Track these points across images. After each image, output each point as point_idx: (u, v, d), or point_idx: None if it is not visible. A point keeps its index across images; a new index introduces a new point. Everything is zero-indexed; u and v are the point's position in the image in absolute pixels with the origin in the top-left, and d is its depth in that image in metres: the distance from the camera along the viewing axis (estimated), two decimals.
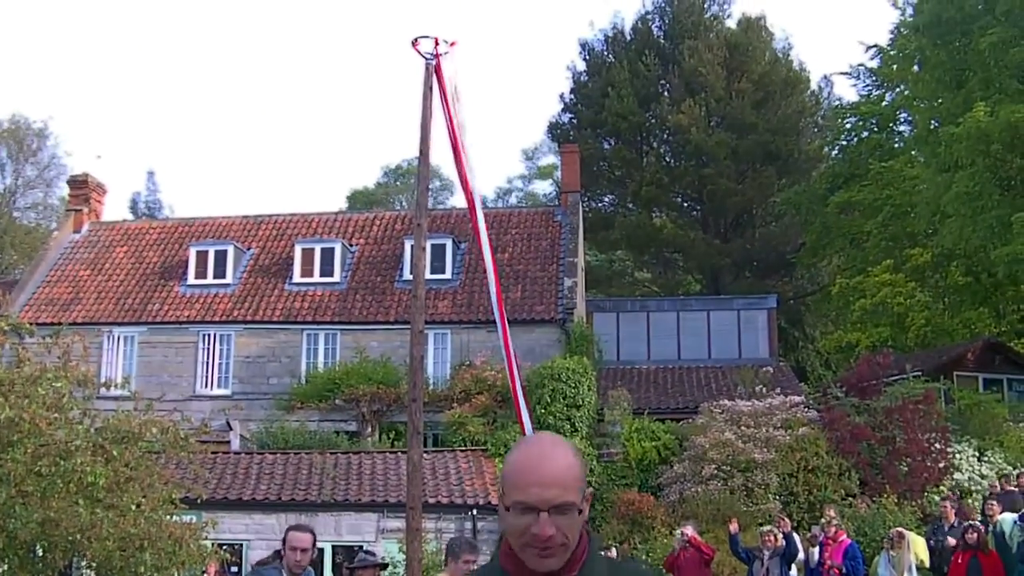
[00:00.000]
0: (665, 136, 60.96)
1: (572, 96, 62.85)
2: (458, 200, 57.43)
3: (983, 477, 31.71)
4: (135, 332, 40.25)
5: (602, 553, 3.51)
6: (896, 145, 51.18)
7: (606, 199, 64.36)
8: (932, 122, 43.45)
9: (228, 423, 35.78)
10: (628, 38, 61.83)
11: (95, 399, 21.97)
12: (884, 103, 51.48)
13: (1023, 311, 47.57)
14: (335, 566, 29.41)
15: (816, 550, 19.81)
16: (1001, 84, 38.45)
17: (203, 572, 23.28)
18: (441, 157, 49.61)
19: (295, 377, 38.73)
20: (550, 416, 33.52)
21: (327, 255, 41.34)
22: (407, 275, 39.41)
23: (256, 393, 38.66)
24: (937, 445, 31.91)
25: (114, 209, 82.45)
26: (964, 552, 18.71)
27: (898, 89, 50.60)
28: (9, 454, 18.11)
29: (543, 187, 78.94)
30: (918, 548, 19.25)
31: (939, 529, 20.30)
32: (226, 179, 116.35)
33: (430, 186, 16.71)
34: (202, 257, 41.88)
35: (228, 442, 34.79)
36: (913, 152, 48.58)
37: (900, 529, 19.92)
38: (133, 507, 19.20)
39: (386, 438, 35.30)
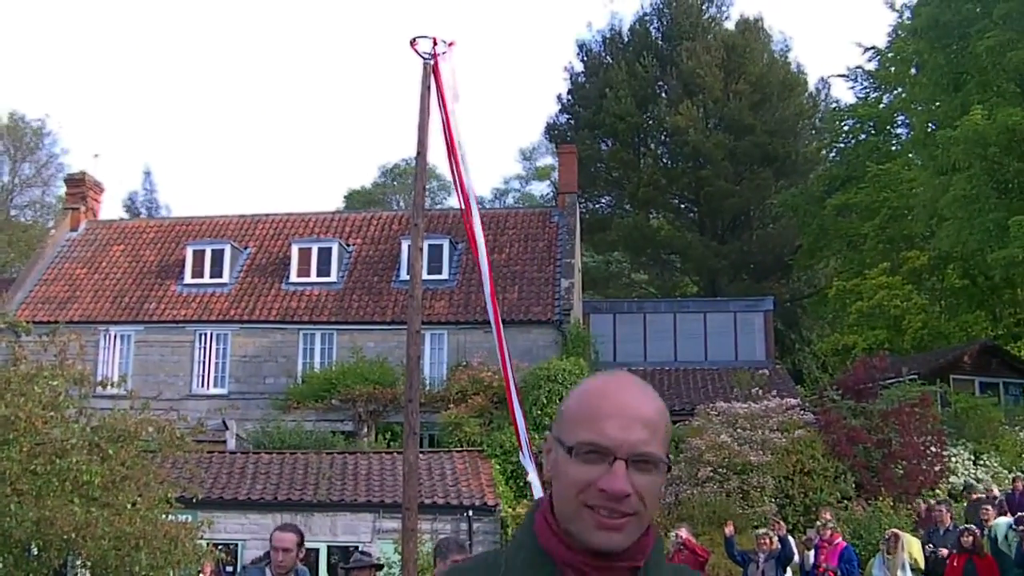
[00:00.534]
0: (663, 137, 61.00)
1: (570, 97, 62.91)
2: (455, 200, 57.50)
3: (978, 480, 31.73)
4: (131, 331, 40.22)
5: None
6: (893, 148, 51.28)
7: (603, 200, 64.40)
8: (929, 125, 43.56)
9: (224, 423, 35.77)
10: (626, 39, 61.91)
11: (91, 398, 22.03)
12: (881, 105, 51.62)
13: (1020, 314, 47.63)
14: (331, 566, 29.41)
15: (811, 553, 19.81)
16: (998, 87, 38.56)
17: (198, 572, 23.27)
18: (438, 157, 49.63)
19: (291, 377, 38.71)
20: (546, 417, 33.43)
21: (324, 255, 41.31)
22: (404, 275, 39.39)
23: (252, 393, 38.65)
24: (933, 448, 31.94)
25: (111, 208, 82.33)
26: (960, 555, 18.73)
27: (896, 92, 50.72)
28: (4, 452, 18.12)
29: (540, 188, 79.01)
30: (913, 549, 19.26)
31: (934, 533, 20.30)
32: (223, 178, 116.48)
33: (427, 186, 16.71)
34: (199, 256, 41.85)
35: (224, 442, 34.79)
36: (910, 155, 48.70)
37: (895, 531, 19.92)
38: (128, 506, 19.21)
39: (382, 438, 35.30)
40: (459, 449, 33.03)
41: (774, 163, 57.21)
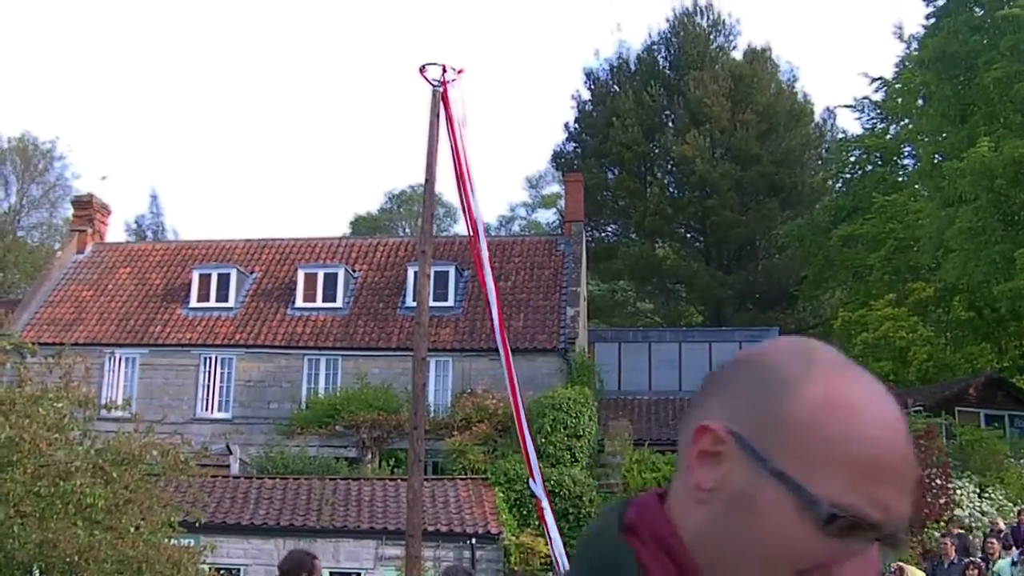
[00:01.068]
0: (669, 166, 61.09)
1: (577, 125, 63.04)
2: (461, 227, 57.46)
3: (983, 514, 31.63)
4: (136, 354, 40.20)
5: None
6: (900, 179, 51.25)
7: (609, 229, 64.42)
8: (936, 156, 43.56)
9: (228, 447, 35.69)
10: (633, 68, 62.09)
11: (96, 420, 21.99)
12: (888, 136, 51.59)
13: None
14: None
15: None
16: (1005, 119, 38.59)
17: None
18: (445, 184, 49.65)
19: (295, 402, 38.67)
20: (550, 445, 33.44)
21: (330, 280, 41.32)
22: (410, 302, 39.39)
23: (256, 417, 38.62)
24: (938, 481, 31.81)
25: (118, 231, 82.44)
26: None
27: (902, 123, 50.72)
28: (8, 474, 18.07)
29: (546, 216, 79.03)
30: None
31: (939, 566, 20.21)
32: (230, 203, 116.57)
33: (434, 213, 16.72)
34: (205, 280, 41.87)
35: (228, 466, 34.74)
36: (917, 186, 48.65)
37: (900, 564, 19.81)
38: (132, 529, 19.16)
39: (386, 465, 35.20)
40: (463, 477, 32.96)
41: (780, 193, 57.27)
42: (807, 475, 1.48)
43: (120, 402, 26.80)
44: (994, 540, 22.68)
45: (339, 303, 40.90)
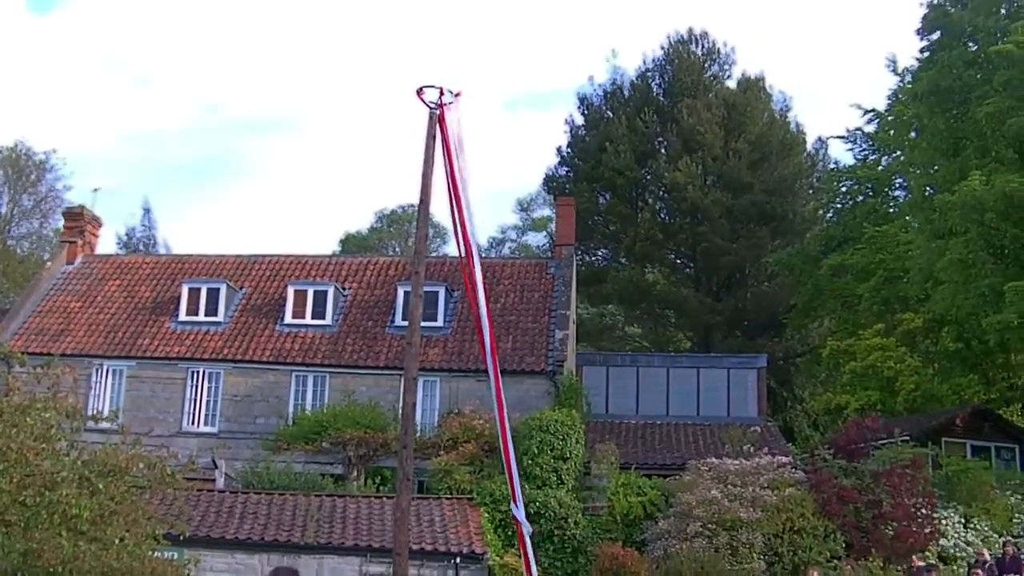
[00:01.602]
0: (661, 193, 61.12)
1: (569, 149, 63.03)
2: (451, 248, 57.48)
3: (968, 544, 31.70)
4: (124, 366, 40.16)
5: None
6: (891, 210, 51.34)
7: (599, 253, 64.37)
8: (927, 189, 43.68)
9: (214, 461, 35.68)
10: (627, 94, 62.15)
11: (83, 431, 21.96)
12: (880, 168, 51.71)
13: (1013, 379, 47.57)
14: None
15: None
16: (997, 153, 38.71)
17: None
18: (437, 205, 49.70)
19: (282, 418, 38.64)
20: (537, 467, 33.43)
21: (319, 297, 41.32)
22: (399, 321, 39.45)
23: (243, 432, 38.58)
24: (924, 510, 31.92)
25: (108, 243, 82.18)
26: None
27: (894, 155, 50.82)
28: None
29: (537, 239, 78.96)
30: None
31: None
32: (221, 218, 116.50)
33: (427, 233, 16.75)
34: (194, 294, 41.85)
35: (213, 480, 34.69)
36: (907, 218, 48.74)
37: None
38: (116, 541, 19.18)
39: (371, 483, 35.18)
40: (448, 496, 32.95)
41: (771, 222, 57.39)
42: None
43: (107, 413, 26.81)
44: (979, 571, 22.73)
45: (328, 320, 40.91)
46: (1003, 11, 39.69)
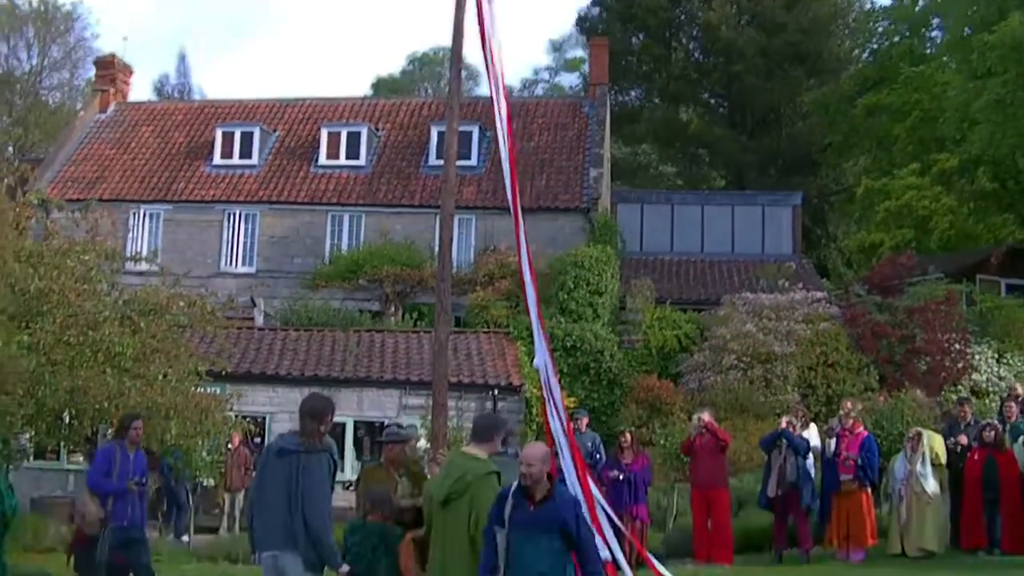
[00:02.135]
0: (694, 33, 60.53)
1: None
2: (484, 90, 57.09)
3: (1001, 379, 31.80)
4: (160, 210, 40.32)
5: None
6: (927, 50, 50.70)
7: (633, 93, 63.98)
8: (965, 29, 43.03)
9: (252, 300, 35.96)
10: None
11: (122, 274, 22.26)
12: (917, 8, 50.89)
13: None
14: (356, 441, 29.75)
15: (832, 441, 19.84)
16: None
17: (227, 442, 23.69)
18: (469, 47, 48.92)
19: (319, 258, 38.88)
20: (572, 302, 33.67)
21: (353, 139, 41.27)
22: (433, 160, 39.35)
23: (280, 272, 38.82)
24: (957, 346, 31.98)
25: (141, 91, 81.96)
26: (980, 449, 18.84)
27: None
28: (39, 324, 18.43)
29: (570, 80, 78.34)
30: (935, 444, 19.28)
31: (955, 426, 20.35)
32: (253, 64, 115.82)
33: (462, 67, 16.61)
34: (228, 138, 41.85)
35: (252, 319, 35.01)
36: (944, 58, 48.09)
37: (918, 429, 19.93)
38: (160, 377, 19.53)
39: (409, 318, 35.45)
40: (485, 330, 33.19)
41: (806, 62, 56.79)
42: None
43: (146, 254, 27.12)
44: (1012, 403, 22.83)
45: (362, 161, 40.89)
46: None
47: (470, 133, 39.77)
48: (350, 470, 27.60)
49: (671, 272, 40.15)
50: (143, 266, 26.69)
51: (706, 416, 19.97)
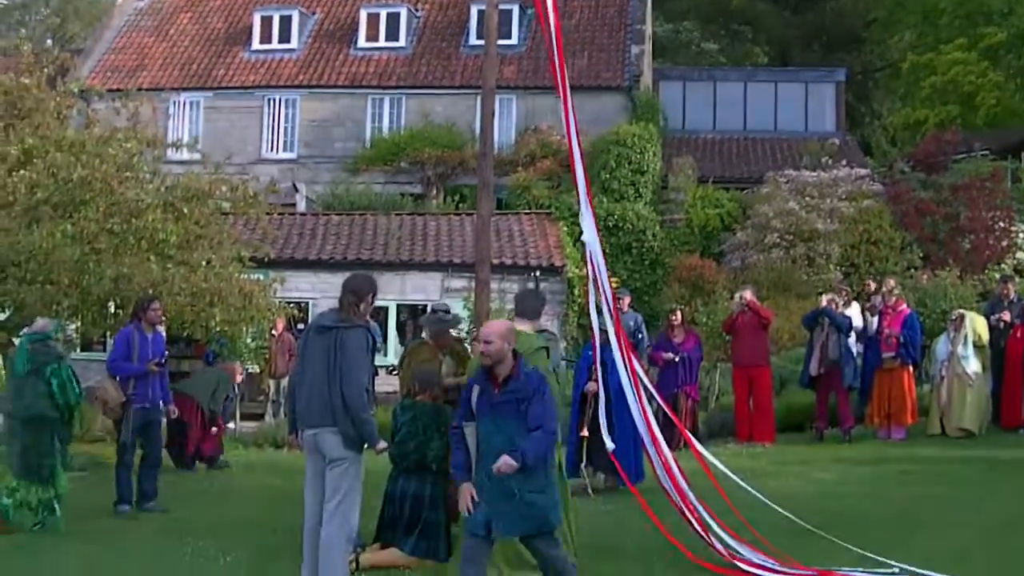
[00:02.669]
0: None
1: None
2: None
3: None
4: (200, 97, 40.26)
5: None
6: None
7: None
8: None
9: (294, 185, 35.94)
10: None
11: (164, 162, 22.30)
12: None
13: None
14: (399, 324, 29.95)
15: (875, 319, 19.78)
16: None
17: (271, 327, 23.87)
18: None
19: (360, 141, 38.79)
20: (615, 181, 33.60)
21: (392, 20, 40.92)
22: (473, 40, 39.06)
23: (321, 156, 38.83)
24: (1001, 224, 31.72)
25: None
26: (1023, 327, 18.78)
27: None
28: (82, 212, 18.49)
29: None
30: (978, 325, 19.16)
31: (998, 304, 20.22)
32: None
33: None
34: (266, 23, 41.57)
35: (294, 204, 35.10)
36: None
37: (961, 311, 19.83)
38: (203, 264, 19.62)
39: (450, 201, 35.46)
40: (527, 212, 33.17)
41: None
42: None
43: (188, 141, 27.12)
44: None
45: (402, 42, 40.59)
46: None
47: (510, 11, 39.31)
48: (392, 354, 27.80)
49: (713, 150, 39.86)
50: (184, 154, 26.77)
51: (748, 294, 19.93)
